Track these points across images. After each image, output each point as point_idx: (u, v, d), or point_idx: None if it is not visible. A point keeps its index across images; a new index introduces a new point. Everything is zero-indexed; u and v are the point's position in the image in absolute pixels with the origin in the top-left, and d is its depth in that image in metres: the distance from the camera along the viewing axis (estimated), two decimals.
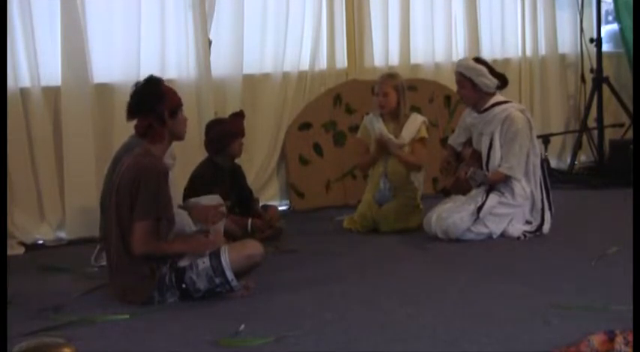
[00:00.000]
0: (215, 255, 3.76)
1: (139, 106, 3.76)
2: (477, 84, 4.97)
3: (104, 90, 5.46)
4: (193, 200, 4.35)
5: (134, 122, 3.85)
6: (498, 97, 5.06)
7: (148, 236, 3.68)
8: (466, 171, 4.99)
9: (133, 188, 3.70)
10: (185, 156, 5.25)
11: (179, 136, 3.91)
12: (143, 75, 5.11)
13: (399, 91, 5.28)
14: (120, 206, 3.75)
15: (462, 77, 5.01)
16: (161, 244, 3.75)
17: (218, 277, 3.73)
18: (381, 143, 5.23)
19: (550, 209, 5.02)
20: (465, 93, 5.04)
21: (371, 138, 5.36)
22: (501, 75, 5.08)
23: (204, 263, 3.74)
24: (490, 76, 4.98)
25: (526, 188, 4.96)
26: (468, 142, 5.22)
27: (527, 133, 4.97)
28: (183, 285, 3.74)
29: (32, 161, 5.26)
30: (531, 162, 4.99)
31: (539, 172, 5.02)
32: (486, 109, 5.01)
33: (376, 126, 5.32)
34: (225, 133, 5.01)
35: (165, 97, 3.78)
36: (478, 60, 5.15)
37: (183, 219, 3.94)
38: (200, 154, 5.31)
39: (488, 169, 5.00)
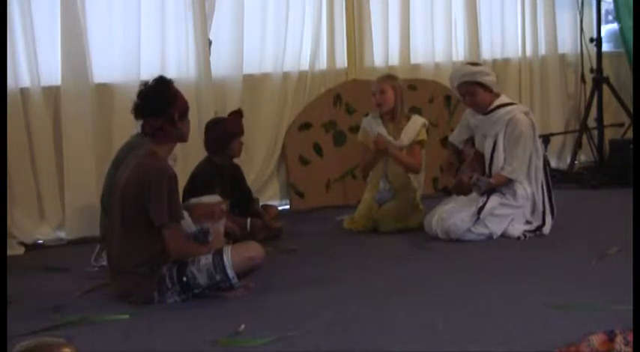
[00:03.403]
0: (218, 253, 3.77)
1: (151, 107, 3.77)
2: (486, 84, 4.94)
3: (104, 90, 5.46)
4: (194, 200, 4.36)
5: (133, 121, 3.86)
6: (503, 99, 5.03)
7: (182, 238, 3.80)
8: (470, 176, 4.95)
9: (142, 191, 3.71)
10: (185, 156, 5.25)
11: (185, 138, 3.93)
12: (143, 75, 5.16)
13: (396, 90, 5.27)
14: (126, 207, 3.76)
15: (469, 85, 4.94)
16: (192, 244, 3.88)
17: (219, 274, 3.74)
18: (379, 144, 5.22)
19: (552, 212, 5.01)
20: (477, 99, 4.96)
21: (370, 140, 5.36)
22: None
23: (206, 259, 3.76)
24: (490, 72, 5.01)
25: (527, 189, 4.96)
26: (470, 141, 5.21)
27: (531, 136, 4.95)
28: (184, 278, 3.75)
29: (32, 161, 5.25)
30: (534, 165, 4.98)
31: (541, 175, 5.01)
32: (491, 111, 4.99)
33: (375, 127, 5.33)
34: (225, 133, 5.01)
35: (176, 99, 3.80)
36: (471, 64, 5.19)
37: (185, 219, 3.96)
38: (200, 154, 5.30)
39: (491, 171, 4.98)
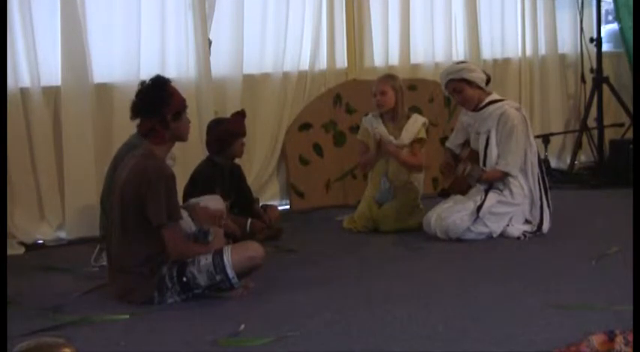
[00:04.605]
0: (217, 253, 3.77)
1: (143, 107, 3.77)
2: (472, 81, 4.97)
3: (104, 90, 5.46)
4: (194, 200, 4.36)
5: (136, 121, 3.87)
6: (494, 96, 5.06)
7: (180, 238, 3.79)
8: (464, 168, 4.99)
9: (140, 191, 3.70)
10: (185, 156, 5.25)
11: (182, 138, 3.93)
12: (143, 75, 5.16)
13: (396, 91, 5.28)
14: (125, 207, 3.76)
15: (456, 82, 4.98)
16: (191, 244, 3.87)
17: (219, 274, 3.73)
18: (380, 144, 5.23)
19: (549, 207, 5.02)
20: (465, 96, 5.00)
21: (371, 138, 5.36)
22: (483, 71, 5.14)
23: (206, 259, 3.76)
24: (476, 69, 5.03)
25: (524, 186, 4.96)
26: (467, 143, 5.22)
27: (524, 130, 4.97)
28: (184, 279, 3.75)
29: (32, 161, 5.25)
30: (529, 160, 4.98)
31: (537, 170, 5.02)
32: (482, 108, 5.02)
33: (375, 126, 5.33)
34: (226, 133, 5.01)
35: (170, 100, 3.79)
36: (458, 63, 5.22)
37: (184, 219, 3.96)
38: (200, 154, 5.31)
39: (485, 167, 5.00)
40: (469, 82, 4.97)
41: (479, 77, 4.99)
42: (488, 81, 5.08)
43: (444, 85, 5.10)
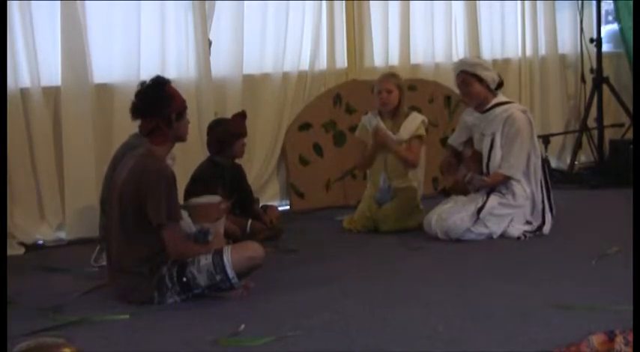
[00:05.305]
0: (217, 253, 3.77)
1: (146, 107, 3.77)
2: (484, 78, 4.95)
3: (104, 90, 5.46)
4: (193, 200, 4.36)
5: (135, 122, 3.87)
6: (500, 98, 5.05)
7: (180, 238, 3.79)
8: (465, 175, 4.98)
9: (140, 191, 3.70)
10: (185, 157, 5.25)
11: (182, 138, 3.93)
12: (143, 75, 5.16)
13: (400, 89, 5.29)
14: (124, 207, 3.76)
15: (467, 74, 4.97)
16: (191, 244, 3.87)
17: (219, 274, 3.74)
18: (378, 136, 5.22)
19: (551, 210, 5.01)
20: (472, 90, 4.98)
21: (369, 137, 5.37)
22: (498, 74, 5.12)
23: (206, 259, 3.76)
24: (492, 69, 5.02)
25: (526, 188, 4.96)
26: (469, 142, 5.22)
27: (529, 133, 4.96)
28: (184, 279, 3.75)
29: (32, 161, 5.25)
30: (532, 163, 4.98)
31: (540, 173, 5.02)
32: (488, 109, 5.01)
33: (374, 123, 5.33)
34: (227, 133, 5.02)
35: (173, 100, 3.80)
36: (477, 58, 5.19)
37: (184, 220, 3.96)
38: (200, 154, 5.32)
39: (489, 169, 4.99)
40: (480, 79, 4.97)
41: (491, 77, 4.98)
42: (500, 85, 5.06)
43: (455, 73, 5.09)
